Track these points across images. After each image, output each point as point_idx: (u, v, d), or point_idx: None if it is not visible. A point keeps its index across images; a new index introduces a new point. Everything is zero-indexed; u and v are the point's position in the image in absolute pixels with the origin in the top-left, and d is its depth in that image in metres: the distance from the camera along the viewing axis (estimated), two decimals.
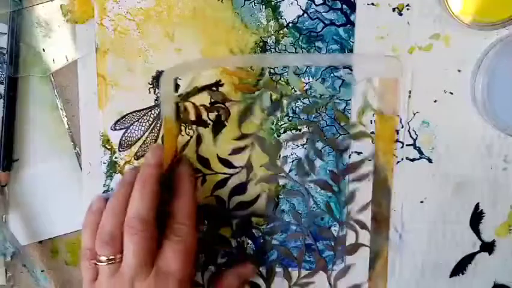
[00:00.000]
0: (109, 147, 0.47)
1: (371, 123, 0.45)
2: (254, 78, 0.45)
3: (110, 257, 0.40)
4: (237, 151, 0.46)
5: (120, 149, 0.47)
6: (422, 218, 0.47)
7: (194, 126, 0.46)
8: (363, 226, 0.47)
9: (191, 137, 0.46)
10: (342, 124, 0.45)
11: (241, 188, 0.47)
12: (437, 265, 0.48)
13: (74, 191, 0.48)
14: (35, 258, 0.49)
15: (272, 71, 0.45)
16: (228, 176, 0.47)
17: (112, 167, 0.47)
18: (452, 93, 0.45)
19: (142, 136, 0.47)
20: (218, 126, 0.46)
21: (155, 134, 0.46)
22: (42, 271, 0.49)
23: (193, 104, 0.45)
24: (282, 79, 0.45)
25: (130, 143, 0.47)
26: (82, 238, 0.44)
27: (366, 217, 0.46)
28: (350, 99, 0.45)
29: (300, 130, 0.46)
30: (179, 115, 0.45)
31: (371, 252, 0.47)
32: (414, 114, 0.46)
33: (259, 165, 0.46)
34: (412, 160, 0.46)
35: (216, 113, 0.45)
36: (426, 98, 0.45)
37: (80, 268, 0.43)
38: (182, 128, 0.46)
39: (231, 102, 0.45)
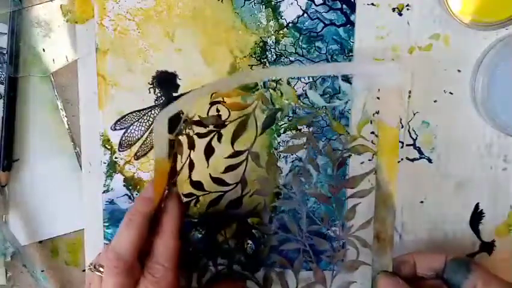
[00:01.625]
0: (109, 147, 0.47)
1: (372, 134, 0.45)
2: (247, 94, 0.45)
3: None
4: (230, 169, 0.45)
5: (120, 149, 0.47)
6: (422, 218, 0.47)
7: (186, 151, 0.44)
8: (364, 244, 0.44)
9: (183, 164, 0.44)
10: (340, 135, 0.45)
11: (236, 203, 0.46)
12: None
13: (74, 191, 0.48)
14: (35, 258, 0.49)
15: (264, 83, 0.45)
16: (221, 193, 0.46)
17: (112, 167, 0.47)
18: (452, 93, 0.45)
19: (142, 136, 0.47)
20: (210, 149, 0.45)
21: None
22: (42, 271, 0.49)
23: (187, 135, 0.43)
24: (274, 89, 0.45)
25: (130, 143, 0.47)
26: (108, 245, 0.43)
27: (368, 235, 0.44)
28: (349, 100, 0.45)
29: (300, 130, 0.46)
30: (173, 150, 0.42)
31: (374, 271, 0.43)
32: (414, 114, 0.46)
33: (253, 179, 0.46)
34: (412, 160, 0.46)
35: (208, 139, 0.45)
36: (426, 98, 0.45)
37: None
38: (183, 127, 0.46)
39: (224, 122, 0.45)
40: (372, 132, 0.45)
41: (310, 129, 0.46)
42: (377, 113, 0.45)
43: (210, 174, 0.46)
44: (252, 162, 0.45)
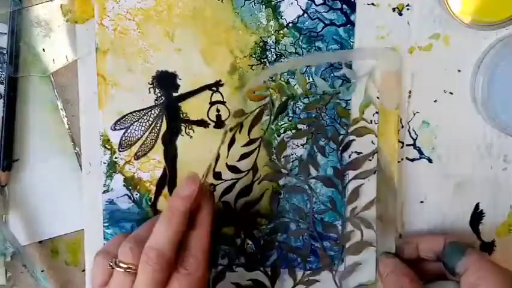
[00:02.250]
0: (109, 147, 0.47)
1: (373, 117, 0.45)
2: (266, 88, 0.45)
3: (129, 265, 0.39)
4: (244, 156, 0.46)
5: (120, 149, 0.47)
6: (422, 218, 0.47)
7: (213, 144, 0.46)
8: (368, 225, 0.46)
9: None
10: (344, 120, 0.45)
11: (246, 190, 0.47)
12: None
13: (74, 191, 0.48)
14: (35, 258, 0.49)
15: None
16: (235, 180, 0.47)
17: (112, 167, 0.47)
18: (452, 93, 0.45)
19: (142, 136, 0.47)
20: (232, 141, 0.46)
21: (155, 134, 0.46)
22: (42, 271, 0.49)
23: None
24: (282, 79, 0.45)
25: (130, 143, 0.47)
26: (111, 239, 0.44)
27: (371, 216, 0.46)
28: (350, 99, 0.45)
29: (300, 130, 0.46)
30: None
31: (378, 252, 0.46)
32: (414, 114, 0.46)
33: (263, 165, 0.46)
34: (412, 160, 0.46)
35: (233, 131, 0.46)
36: (426, 98, 0.45)
37: (92, 270, 0.42)
38: (183, 127, 0.46)
39: (245, 115, 0.46)
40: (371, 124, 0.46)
41: (313, 125, 0.46)
42: (378, 96, 0.45)
43: (226, 163, 0.46)
44: (263, 150, 0.46)
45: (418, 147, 0.46)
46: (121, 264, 0.39)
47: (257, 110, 0.46)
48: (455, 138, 0.46)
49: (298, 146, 0.46)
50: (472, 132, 0.46)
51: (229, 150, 0.46)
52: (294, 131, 0.46)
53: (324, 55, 0.45)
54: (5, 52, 0.46)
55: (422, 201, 0.47)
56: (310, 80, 0.45)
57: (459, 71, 0.45)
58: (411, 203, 0.47)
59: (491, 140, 0.46)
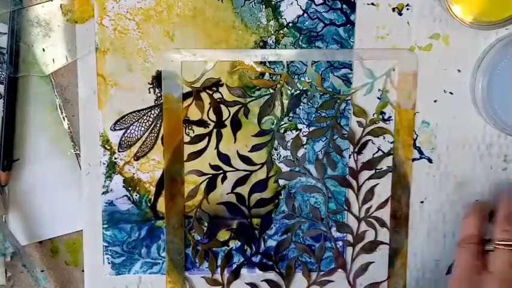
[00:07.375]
0: (108, 147, 0.47)
1: (389, 118, 0.46)
2: (273, 73, 0.45)
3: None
4: (257, 148, 0.46)
5: (120, 150, 0.47)
6: (422, 218, 0.47)
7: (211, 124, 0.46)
8: (382, 224, 0.47)
9: (211, 131, 0.46)
10: (360, 119, 0.46)
11: (261, 185, 0.47)
12: (437, 265, 0.48)
13: (74, 191, 0.48)
14: (35, 258, 0.49)
15: (292, 68, 0.45)
16: (248, 173, 0.47)
17: (112, 168, 0.47)
18: (452, 93, 0.45)
19: (141, 136, 0.47)
20: (236, 123, 0.46)
21: (155, 134, 0.46)
22: (42, 271, 0.49)
23: (210, 94, 0.45)
24: (296, 75, 0.45)
25: (129, 143, 0.47)
26: (465, 223, 0.43)
27: (385, 214, 0.47)
28: (350, 99, 0.45)
29: (300, 130, 0.46)
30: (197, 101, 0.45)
31: (391, 249, 0.47)
32: (414, 114, 0.46)
33: (278, 162, 0.47)
34: (412, 160, 0.46)
35: (236, 109, 0.46)
36: (426, 98, 0.45)
37: (458, 255, 0.43)
38: (183, 128, 0.46)
39: (250, 98, 0.46)
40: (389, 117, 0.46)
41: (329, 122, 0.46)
42: (394, 96, 0.46)
43: (237, 151, 0.46)
44: (277, 144, 0.46)
45: (418, 147, 0.46)
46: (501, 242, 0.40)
47: (264, 97, 0.45)
48: (455, 138, 0.46)
49: (314, 145, 0.46)
50: (472, 132, 0.46)
51: (234, 133, 0.46)
52: (293, 131, 0.46)
53: (338, 52, 0.45)
54: (5, 52, 0.46)
55: (422, 201, 0.47)
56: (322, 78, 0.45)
57: (459, 71, 0.45)
58: (411, 203, 0.47)
59: (491, 140, 0.46)
